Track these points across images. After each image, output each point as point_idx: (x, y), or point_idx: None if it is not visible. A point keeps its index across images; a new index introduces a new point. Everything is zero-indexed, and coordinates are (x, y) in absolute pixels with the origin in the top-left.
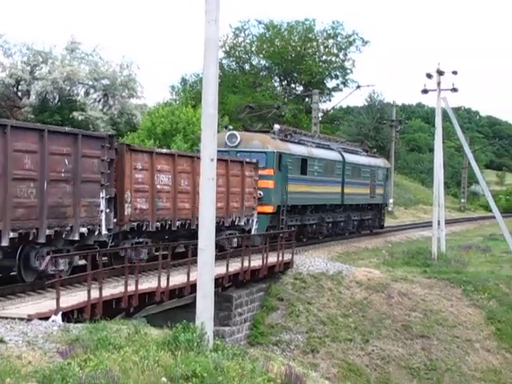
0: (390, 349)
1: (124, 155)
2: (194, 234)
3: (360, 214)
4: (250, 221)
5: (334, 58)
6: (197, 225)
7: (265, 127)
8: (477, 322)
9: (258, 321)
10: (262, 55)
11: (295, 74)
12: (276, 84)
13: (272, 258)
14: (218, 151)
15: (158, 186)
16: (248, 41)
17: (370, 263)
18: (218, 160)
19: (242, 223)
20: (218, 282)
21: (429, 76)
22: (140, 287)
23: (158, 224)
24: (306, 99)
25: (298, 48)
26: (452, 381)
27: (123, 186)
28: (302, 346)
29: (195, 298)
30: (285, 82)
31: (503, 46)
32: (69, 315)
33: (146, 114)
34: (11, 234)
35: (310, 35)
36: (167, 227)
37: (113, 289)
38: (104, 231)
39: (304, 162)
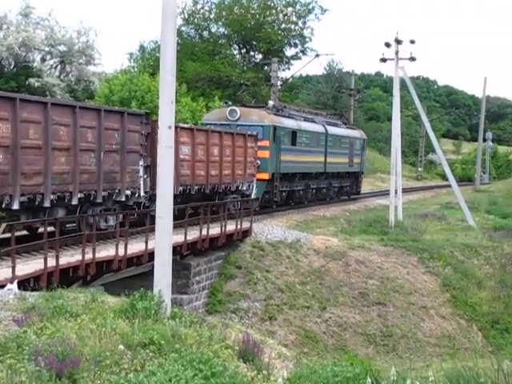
0: (347, 316)
1: (155, 129)
2: (207, 197)
3: (340, 181)
4: (251, 186)
5: (293, 26)
6: (210, 189)
7: (225, 95)
8: (432, 289)
9: (216, 289)
10: (220, 23)
11: (254, 42)
12: (235, 52)
13: (231, 227)
14: (221, 125)
15: (181, 156)
16: (207, 8)
17: (327, 231)
18: (226, 133)
19: (245, 188)
20: (177, 250)
21: (387, 45)
22: (98, 255)
23: (181, 188)
24: (265, 67)
25: (257, 16)
26: (407, 347)
27: (155, 155)
28: (259, 313)
29: (153, 266)
30: (244, 50)
31: (462, 16)
32: (25, 284)
33: (103, 82)
34: (79, 195)
35: (269, 3)
36: (188, 191)
37: (70, 257)
38: (142, 193)
39: (294, 134)
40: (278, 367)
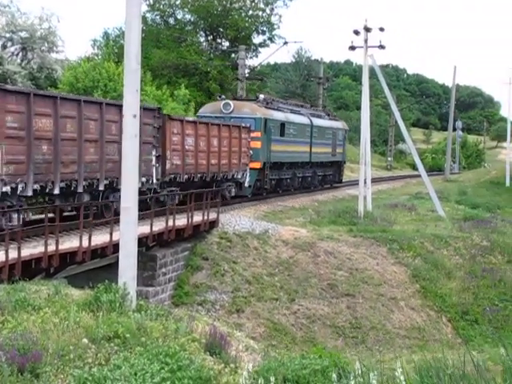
0: (316, 308)
1: (166, 123)
2: (207, 184)
3: (324, 170)
4: (245, 174)
5: (260, 13)
6: (211, 177)
7: (191, 84)
8: (402, 280)
9: (182, 281)
10: (186, 9)
11: (221, 29)
12: (202, 39)
13: (197, 218)
14: (215, 117)
15: (186, 147)
16: None
17: (296, 222)
18: (224, 125)
19: (239, 176)
20: (142, 241)
21: (356, 33)
22: (61, 247)
23: (186, 176)
24: (233, 55)
25: (224, 2)
26: (377, 339)
27: (165, 146)
28: (227, 305)
29: (117, 257)
30: (210, 38)
31: (431, 5)
32: None
33: (67, 69)
34: (105, 182)
35: None
36: (192, 179)
37: (33, 249)
38: (155, 180)
39: (283, 126)
40: (246, 360)
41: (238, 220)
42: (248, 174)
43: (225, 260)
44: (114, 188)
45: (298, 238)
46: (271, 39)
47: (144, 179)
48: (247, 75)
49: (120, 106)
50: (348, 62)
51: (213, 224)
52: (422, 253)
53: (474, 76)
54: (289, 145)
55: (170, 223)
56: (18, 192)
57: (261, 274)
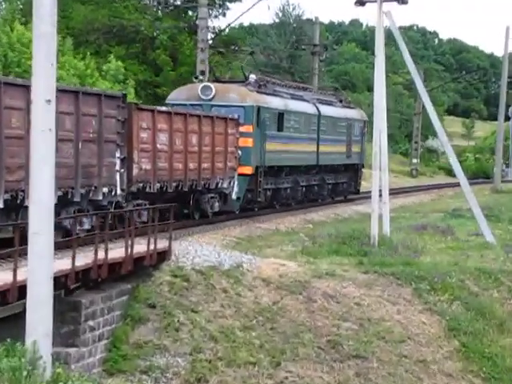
0: (311, 375)
1: (132, 114)
2: (184, 196)
3: (335, 176)
4: (232, 183)
5: None
6: (189, 186)
7: (131, 54)
8: (434, 336)
9: (119, 338)
10: None
11: None
12: None
13: (140, 247)
14: (191, 105)
15: (158, 146)
16: None
17: (282, 252)
18: (205, 117)
19: (225, 185)
20: (60, 281)
21: None
22: None
23: (158, 185)
24: (190, 13)
25: None
26: None
27: (132, 146)
28: (183, 373)
29: (25, 305)
30: None
31: None
32: None
33: None
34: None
35: None
36: (165, 188)
37: None
38: (119, 191)
39: (281, 117)
40: None
41: (198, 249)
42: (236, 183)
43: (180, 308)
44: (68, 201)
45: (285, 275)
46: None
47: (106, 189)
48: (211, 42)
49: (76, 93)
50: (355, 23)
51: (163, 256)
52: (463, 295)
53: None
54: (289, 143)
55: (101, 255)
56: None
57: (232, 328)
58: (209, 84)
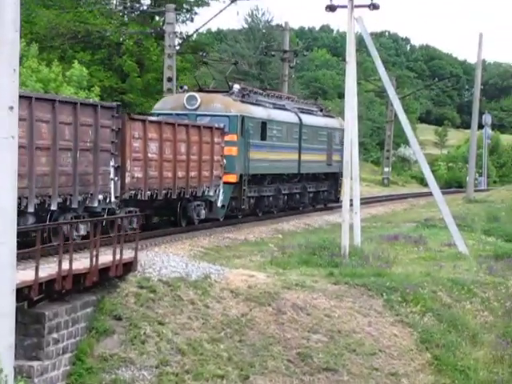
0: None
1: (125, 124)
2: (171, 204)
3: (316, 184)
4: (217, 191)
5: None
6: (177, 194)
7: (96, 60)
8: (405, 348)
9: (83, 351)
10: None
11: None
12: None
13: (106, 257)
14: (177, 115)
15: (149, 155)
16: None
17: (251, 263)
18: (193, 126)
19: (211, 193)
20: (23, 292)
21: None
22: None
23: (149, 193)
24: (157, 18)
25: None
26: None
27: (125, 154)
28: None
29: None
30: None
31: None
32: None
33: None
34: (58, 200)
35: None
36: (155, 196)
37: None
38: (113, 199)
39: (264, 126)
40: None
41: (165, 260)
42: (221, 191)
43: (146, 320)
44: (66, 208)
45: (254, 286)
46: None
47: (101, 196)
48: (178, 48)
49: (74, 104)
50: (325, 29)
51: (128, 266)
52: (435, 307)
53: (508, 50)
54: (272, 151)
55: (65, 266)
56: None
57: (199, 341)
58: (194, 94)
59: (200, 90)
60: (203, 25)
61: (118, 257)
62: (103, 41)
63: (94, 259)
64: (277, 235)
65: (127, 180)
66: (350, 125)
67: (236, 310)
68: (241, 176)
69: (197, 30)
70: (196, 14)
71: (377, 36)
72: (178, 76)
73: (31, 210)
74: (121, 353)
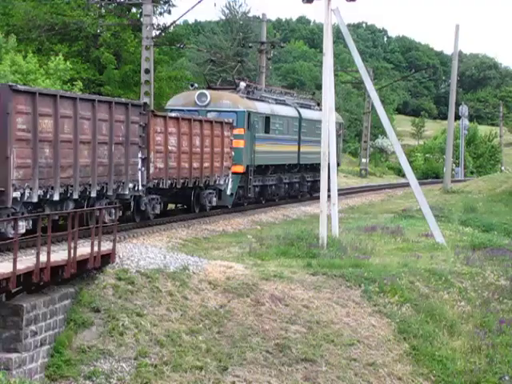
0: (259, 379)
1: (150, 120)
2: (187, 192)
3: (314, 174)
4: (226, 180)
5: None
6: (193, 183)
7: (74, 52)
8: (383, 338)
9: (61, 343)
10: None
11: None
12: None
13: (84, 249)
14: (188, 111)
15: (169, 147)
16: None
17: (229, 254)
18: (206, 121)
19: (222, 182)
20: (1, 285)
21: None
22: None
23: (169, 182)
24: (134, 10)
25: None
26: None
27: (149, 147)
28: (128, 378)
29: None
30: None
31: None
32: None
33: None
34: (97, 188)
35: None
36: (174, 185)
37: None
38: (140, 187)
39: (267, 120)
40: None
41: (143, 252)
42: (230, 180)
43: (125, 311)
44: (102, 195)
45: (232, 277)
46: None
47: (131, 185)
48: (156, 40)
49: (110, 103)
50: (302, 20)
51: (107, 258)
52: (413, 297)
53: (484, 41)
54: (274, 143)
55: (43, 258)
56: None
57: (178, 332)
58: (204, 91)
59: (209, 88)
60: (180, 16)
61: (96, 249)
62: (80, 33)
63: (72, 251)
64: (255, 226)
65: (151, 170)
66: (327, 116)
67: (214, 302)
68: (247, 166)
69: (174, 22)
70: (174, 6)
71: (354, 27)
72: (156, 68)
73: (76, 196)
74: (99, 344)
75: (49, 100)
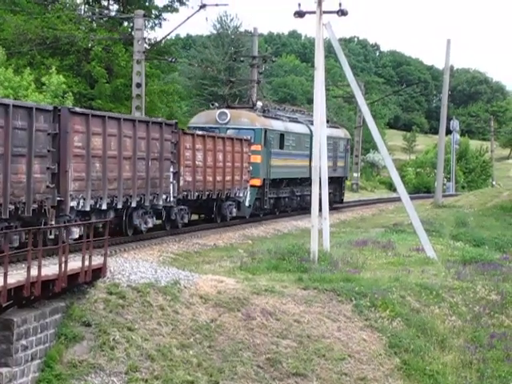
0: None
1: (180, 137)
2: (209, 204)
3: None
4: (245, 193)
5: None
6: (216, 195)
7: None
8: (374, 353)
9: (52, 357)
10: None
11: None
12: (78, 1)
13: (74, 263)
14: (210, 128)
15: (197, 162)
16: None
17: (220, 268)
18: (228, 138)
19: (241, 195)
20: None
21: None
22: None
23: (197, 194)
24: (125, 24)
25: None
26: None
27: (180, 162)
28: None
29: None
30: None
31: None
32: None
33: None
34: (136, 199)
35: None
36: (200, 197)
37: None
38: (172, 198)
39: (282, 137)
40: None
41: (134, 266)
42: (249, 193)
43: (116, 326)
44: (140, 205)
45: (224, 291)
46: (181, 1)
47: (164, 196)
48: (147, 54)
49: (147, 122)
50: (294, 35)
51: (98, 273)
52: (404, 312)
53: (475, 56)
54: (288, 158)
55: (34, 272)
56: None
57: (169, 346)
58: (225, 110)
59: (228, 107)
60: (172, 30)
61: (87, 263)
62: (72, 47)
63: (63, 265)
64: (246, 241)
65: (181, 183)
66: (319, 130)
67: (205, 316)
68: (263, 180)
69: (165, 36)
70: (165, 19)
71: (345, 42)
72: (147, 82)
73: (120, 206)
74: (90, 359)
75: (99, 120)
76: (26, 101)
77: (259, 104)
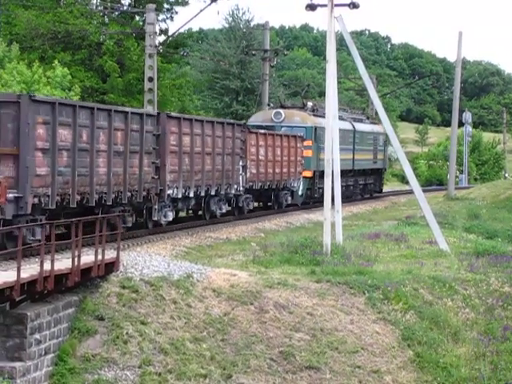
0: None
1: (247, 135)
2: (269, 193)
3: (365, 178)
4: (298, 183)
5: None
6: (275, 185)
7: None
8: (387, 345)
9: (66, 351)
10: None
11: None
12: None
13: (88, 257)
14: (266, 126)
15: (260, 157)
16: None
17: (233, 262)
18: (284, 136)
19: (295, 185)
20: (5, 293)
21: None
22: None
23: (260, 184)
24: (137, 18)
25: None
26: None
27: (246, 157)
28: None
29: None
30: None
31: None
32: None
33: None
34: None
35: None
36: (263, 187)
37: None
38: (241, 188)
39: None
40: None
41: (147, 260)
42: (301, 183)
43: (129, 320)
44: (217, 194)
45: (236, 285)
46: None
47: (235, 186)
48: (160, 48)
49: (223, 123)
50: (306, 28)
51: (111, 267)
52: (417, 304)
53: (487, 48)
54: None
55: (47, 266)
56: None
57: (182, 340)
58: (280, 110)
59: (282, 107)
60: (184, 24)
61: (100, 257)
62: (83, 41)
63: (76, 259)
64: (259, 234)
65: (248, 175)
66: (331, 123)
67: (218, 309)
68: (314, 172)
69: (177, 30)
70: (176, 13)
71: (357, 35)
72: (159, 76)
73: (203, 194)
74: (103, 353)
75: (187, 122)
76: (37, 94)
77: (309, 104)
